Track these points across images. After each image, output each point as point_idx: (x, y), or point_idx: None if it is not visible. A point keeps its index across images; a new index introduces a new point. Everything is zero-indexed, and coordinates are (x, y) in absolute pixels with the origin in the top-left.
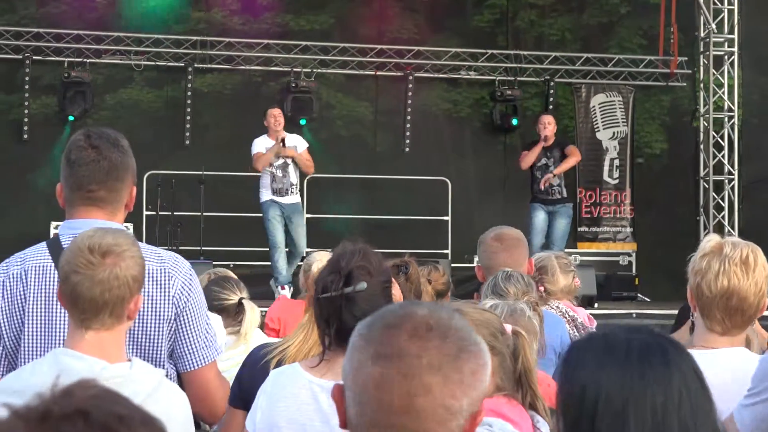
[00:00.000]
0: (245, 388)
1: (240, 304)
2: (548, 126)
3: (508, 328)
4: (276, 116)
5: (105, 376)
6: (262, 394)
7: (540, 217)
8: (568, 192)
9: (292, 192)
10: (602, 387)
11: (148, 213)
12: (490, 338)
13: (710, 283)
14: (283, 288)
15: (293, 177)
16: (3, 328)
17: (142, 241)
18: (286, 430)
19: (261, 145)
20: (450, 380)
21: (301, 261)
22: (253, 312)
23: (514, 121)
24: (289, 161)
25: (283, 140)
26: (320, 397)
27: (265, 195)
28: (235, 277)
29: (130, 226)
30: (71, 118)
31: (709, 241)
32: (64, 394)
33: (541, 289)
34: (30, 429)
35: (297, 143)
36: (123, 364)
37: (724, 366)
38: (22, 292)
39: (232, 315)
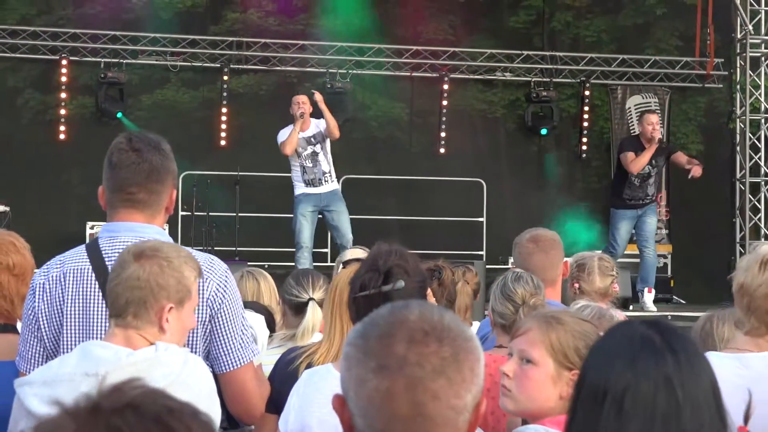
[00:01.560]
0: (276, 392)
1: (308, 303)
2: (657, 127)
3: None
4: (300, 103)
5: (131, 361)
6: (295, 394)
7: (628, 225)
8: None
9: (326, 180)
10: (612, 382)
11: (184, 213)
12: (585, 350)
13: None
14: None
15: (324, 165)
16: (43, 330)
17: (177, 242)
18: (317, 430)
19: (285, 133)
20: (453, 382)
21: None
22: (315, 314)
23: (543, 131)
24: (318, 149)
25: (302, 114)
26: None
27: (298, 189)
28: (320, 274)
29: (166, 226)
30: (120, 114)
31: (759, 247)
32: (113, 390)
33: (576, 286)
34: (80, 425)
35: (320, 123)
36: (147, 348)
37: (747, 371)
38: (60, 295)
39: (302, 313)
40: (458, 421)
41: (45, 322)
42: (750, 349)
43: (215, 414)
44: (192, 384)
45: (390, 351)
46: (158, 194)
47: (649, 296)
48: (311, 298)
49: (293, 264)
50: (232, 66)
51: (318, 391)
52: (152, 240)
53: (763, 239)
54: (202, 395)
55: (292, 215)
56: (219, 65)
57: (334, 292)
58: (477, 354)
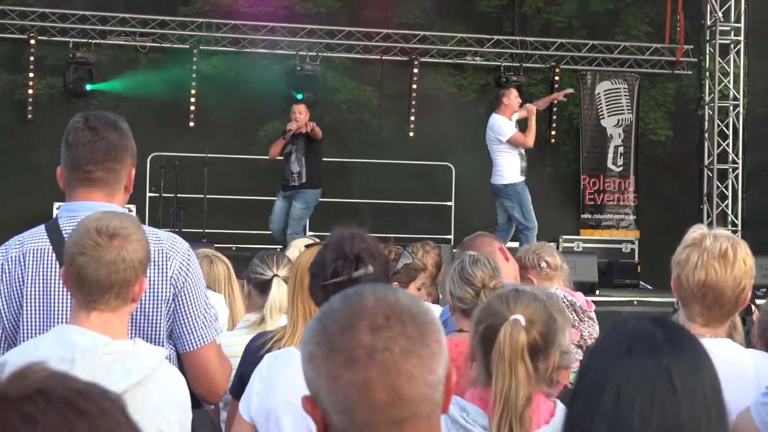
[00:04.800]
0: (246, 379)
1: (272, 280)
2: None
3: (520, 318)
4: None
5: (108, 350)
6: (257, 377)
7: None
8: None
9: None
10: (612, 377)
11: (152, 195)
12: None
13: (688, 276)
14: None
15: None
16: (2, 311)
17: (145, 223)
18: (283, 413)
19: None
20: (424, 358)
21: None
22: (279, 290)
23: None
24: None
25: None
26: None
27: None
28: (284, 254)
29: (133, 208)
30: (90, 87)
31: (693, 232)
32: (18, 377)
33: (543, 264)
34: None
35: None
36: (126, 341)
37: None
38: (20, 275)
39: (267, 292)
40: (435, 396)
41: (4, 303)
42: (704, 335)
43: (185, 426)
44: (167, 387)
45: (356, 342)
46: (116, 172)
47: None
48: (275, 275)
49: (261, 246)
50: (201, 47)
51: (281, 374)
52: (103, 213)
53: (730, 225)
54: (176, 402)
55: (259, 197)
56: (188, 46)
57: (295, 275)
58: (438, 325)
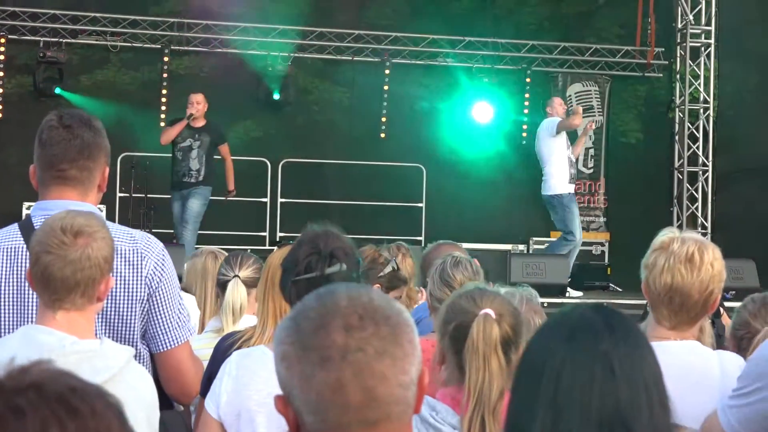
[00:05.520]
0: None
1: (233, 279)
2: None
3: (491, 312)
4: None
5: (75, 349)
6: (227, 376)
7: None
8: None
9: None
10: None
11: (122, 195)
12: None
13: (656, 280)
14: None
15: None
16: None
17: (114, 222)
18: (258, 413)
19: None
20: (397, 358)
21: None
22: (235, 291)
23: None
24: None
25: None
26: None
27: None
28: (251, 255)
29: (103, 207)
30: (58, 90)
31: (662, 235)
32: (20, 371)
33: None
34: None
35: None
36: (93, 340)
37: (673, 357)
38: None
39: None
40: (407, 396)
41: None
42: (670, 338)
43: (153, 425)
44: (135, 386)
45: (329, 342)
46: (90, 171)
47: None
48: (236, 275)
49: (233, 247)
50: (172, 47)
51: (254, 373)
52: (67, 212)
53: (699, 228)
54: (145, 401)
55: (230, 198)
56: (160, 46)
57: (267, 273)
58: (411, 325)
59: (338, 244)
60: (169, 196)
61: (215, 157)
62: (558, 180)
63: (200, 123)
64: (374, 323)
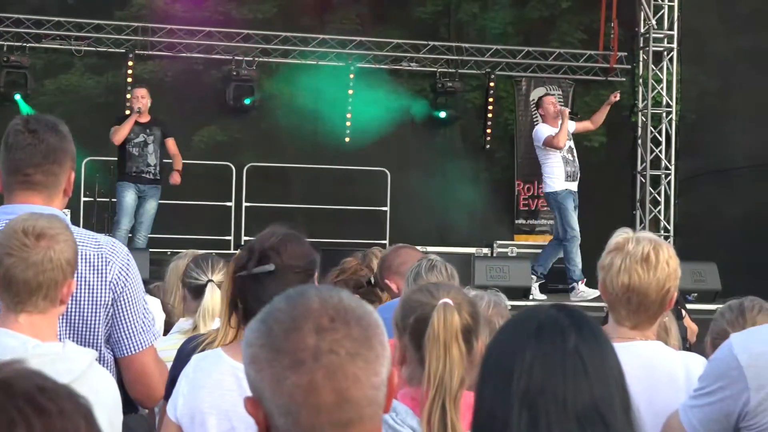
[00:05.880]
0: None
1: (206, 285)
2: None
3: (449, 302)
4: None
5: (38, 352)
6: (184, 379)
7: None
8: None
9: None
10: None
11: (86, 199)
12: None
13: (613, 280)
14: None
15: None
16: None
17: (79, 227)
18: (209, 416)
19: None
20: (369, 360)
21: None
22: (213, 296)
23: (443, 114)
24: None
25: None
26: (244, 383)
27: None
28: (220, 259)
29: (68, 212)
30: (17, 96)
31: (617, 236)
32: None
33: None
34: None
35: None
36: (56, 343)
37: (637, 357)
38: None
39: (201, 296)
40: (378, 397)
41: None
42: (635, 338)
43: (115, 426)
44: (98, 389)
45: (301, 344)
46: (56, 176)
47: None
48: (210, 280)
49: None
50: (137, 52)
51: (208, 376)
52: (29, 214)
53: (662, 231)
54: (107, 403)
55: (193, 202)
56: (124, 51)
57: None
58: (381, 326)
59: (274, 245)
60: None
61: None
62: (553, 178)
63: (146, 118)
64: (346, 325)
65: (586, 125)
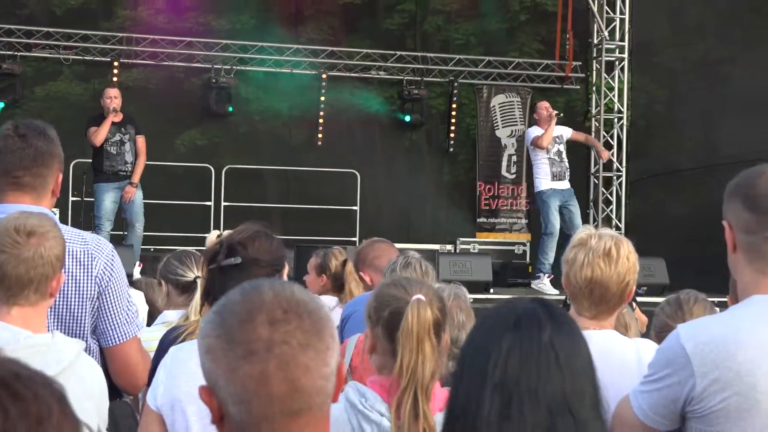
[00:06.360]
0: None
1: (195, 282)
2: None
3: (422, 297)
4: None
5: (29, 343)
6: (163, 369)
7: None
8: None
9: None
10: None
11: (74, 199)
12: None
13: (576, 274)
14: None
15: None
16: None
17: (67, 225)
18: (188, 404)
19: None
20: (319, 351)
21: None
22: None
23: (407, 118)
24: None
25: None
26: None
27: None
28: (199, 254)
29: (57, 211)
30: (2, 104)
31: (580, 233)
32: None
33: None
34: None
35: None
36: (46, 334)
37: (594, 347)
38: None
39: (188, 292)
40: (328, 387)
41: None
42: (590, 327)
43: (102, 413)
44: (85, 377)
45: (255, 335)
46: (44, 178)
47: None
48: (198, 277)
49: (175, 247)
50: (122, 60)
51: (185, 365)
52: (20, 213)
53: (614, 229)
54: (94, 392)
55: (173, 201)
56: (109, 59)
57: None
58: (331, 319)
59: (243, 240)
60: None
61: None
62: (539, 179)
63: (119, 117)
64: (298, 317)
65: (578, 137)
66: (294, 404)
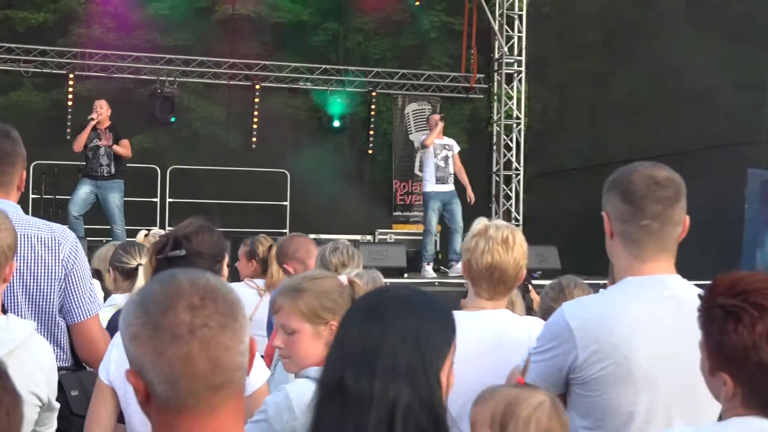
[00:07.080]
0: None
1: (137, 269)
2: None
3: (343, 278)
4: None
5: None
6: (114, 347)
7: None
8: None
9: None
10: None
11: (34, 197)
12: (332, 303)
13: (477, 259)
14: None
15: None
16: None
17: (37, 218)
18: None
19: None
20: (236, 330)
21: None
22: (146, 277)
23: (336, 123)
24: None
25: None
26: None
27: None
28: (145, 244)
29: (19, 206)
30: None
31: (478, 223)
32: None
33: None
34: None
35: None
36: (1, 316)
37: (489, 323)
38: None
39: (131, 278)
40: (244, 362)
41: None
42: (486, 307)
43: (51, 386)
44: (37, 355)
45: (177, 321)
46: (9, 175)
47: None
48: (140, 264)
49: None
50: (77, 73)
51: None
52: None
53: (513, 221)
54: (44, 366)
55: (126, 199)
56: (65, 72)
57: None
58: (241, 302)
59: (187, 233)
60: None
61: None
62: (425, 182)
63: (105, 124)
64: (214, 302)
65: (457, 162)
66: (216, 379)
